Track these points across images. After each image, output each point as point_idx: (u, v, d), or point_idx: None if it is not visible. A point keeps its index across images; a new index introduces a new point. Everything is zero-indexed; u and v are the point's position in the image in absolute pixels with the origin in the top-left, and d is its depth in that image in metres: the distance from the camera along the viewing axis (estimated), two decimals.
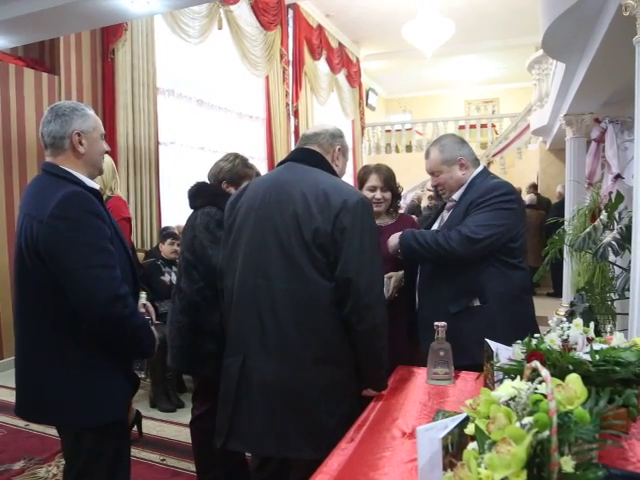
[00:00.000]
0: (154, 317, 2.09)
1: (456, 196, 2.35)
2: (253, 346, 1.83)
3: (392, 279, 2.64)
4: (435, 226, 2.46)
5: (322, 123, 2.16)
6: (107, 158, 3.25)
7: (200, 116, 7.28)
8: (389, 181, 2.73)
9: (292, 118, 9.52)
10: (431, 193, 9.06)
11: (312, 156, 1.98)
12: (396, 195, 2.80)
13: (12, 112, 4.94)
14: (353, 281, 1.76)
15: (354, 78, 12.38)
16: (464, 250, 2.15)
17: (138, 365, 3.94)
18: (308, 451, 1.77)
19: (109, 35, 5.73)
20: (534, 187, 9.28)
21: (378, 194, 2.70)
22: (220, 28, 7.24)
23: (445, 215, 2.44)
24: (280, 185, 1.89)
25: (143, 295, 2.10)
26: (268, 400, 1.79)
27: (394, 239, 2.33)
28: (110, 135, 5.56)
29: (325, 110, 11.02)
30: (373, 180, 2.71)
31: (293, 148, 2.11)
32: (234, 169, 2.53)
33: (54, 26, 4.35)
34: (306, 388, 1.78)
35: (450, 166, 2.33)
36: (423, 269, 2.40)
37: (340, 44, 11.47)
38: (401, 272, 2.64)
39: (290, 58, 9.44)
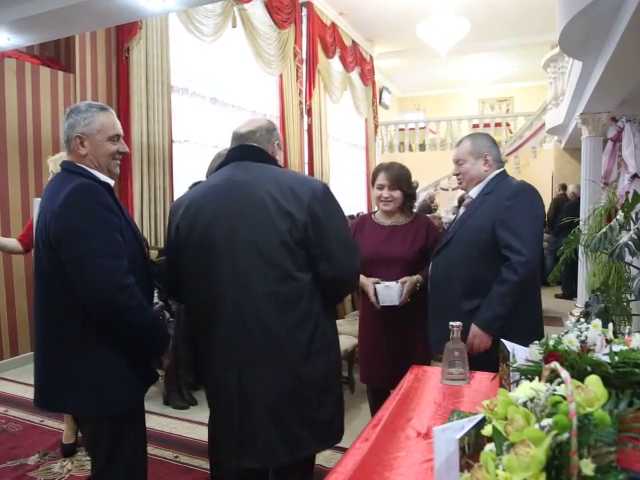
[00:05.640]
0: (168, 316, 2.11)
1: (473, 193, 2.39)
2: (245, 357, 1.79)
3: (406, 284, 2.66)
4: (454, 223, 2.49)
5: (253, 118, 2.08)
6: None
7: (214, 114, 7.29)
8: (398, 180, 2.73)
9: (305, 116, 9.51)
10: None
11: (257, 153, 1.92)
12: (409, 195, 2.80)
13: (28, 110, 4.98)
14: (340, 278, 1.90)
15: (367, 76, 12.34)
16: (526, 273, 2.12)
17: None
18: (315, 444, 1.84)
19: (124, 33, 5.76)
20: (564, 187, 9.16)
21: (385, 192, 2.73)
22: (234, 26, 7.26)
23: (461, 210, 2.49)
24: (242, 187, 1.83)
25: (154, 294, 2.11)
26: (272, 408, 1.79)
27: (479, 338, 2.17)
28: (124, 133, 5.57)
29: (338, 108, 11.00)
30: (381, 178, 2.75)
31: (232, 147, 1.98)
32: None
33: (69, 24, 4.36)
34: (302, 385, 1.81)
35: (476, 158, 2.38)
36: (435, 266, 2.42)
37: (354, 42, 11.45)
38: (416, 277, 2.67)
39: (304, 56, 9.42)
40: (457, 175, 2.46)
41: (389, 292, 2.64)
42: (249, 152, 1.92)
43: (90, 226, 1.70)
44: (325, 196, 1.85)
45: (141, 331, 1.80)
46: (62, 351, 1.77)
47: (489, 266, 2.19)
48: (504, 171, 2.41)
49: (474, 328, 2.17)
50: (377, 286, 2.66)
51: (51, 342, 1.81)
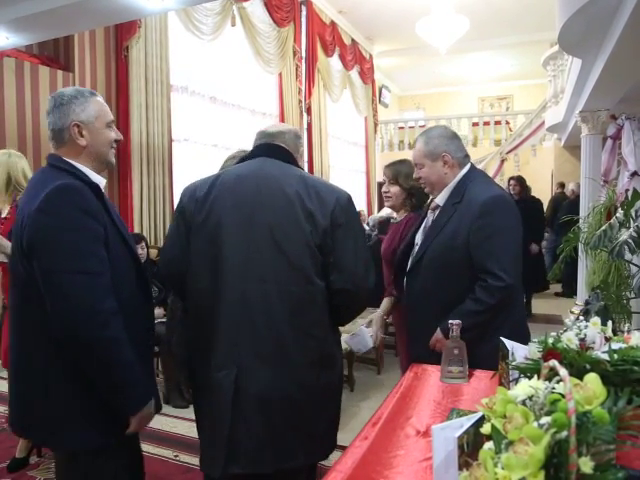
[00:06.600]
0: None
1: (440, 200, 2.22)
2: (246, 356, 1.71)
3: (372, 322, 2.57)
4: (420, 230, 2.34)
5: (281, 123, 2.06)
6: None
7: (213, 113, 7.29)
8: (395, 174, 2.72)
9: (305, 115, 9.51)
10: None
11: (285, 153, 1.90)
12: (410, 191, 2.72)
13: (27, 109, 4.98)
14: (351, 290, 1.80)
15: (367, 75, 12.34)
16: (503, 297, 2.02)
17: None
18: (302, 458, 1.77)
19: (123, 32, 5.76)
20: (562, 186, 9.15)
21: (385, 187, 2.77)
22: (233, 25, 7.26)
23: (430, 217, 2.30)
24: (269, 181, 1.78)
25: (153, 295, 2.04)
26: (265, 412, 1.71)
27: (440, 343, 2.07)
28: (124, 132, 5.58)
29: (338, 107, 11.00)
30: (384, 174, 2.79)
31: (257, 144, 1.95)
32: None
33: (68, 23, 4.37)
34: (302, 393, 1.75)
35: (433, 161, 2.17)
36: (409, 286, 2.31)
37: (353, 41, 11.44)
38: (380, 311, 2.61)
39: (303, 55, 9.42)
40: (419, 179, 2.28)
41: (359, 339, 2.48)
42: (278, 150, 1.89)
43: (66, 236, 1.47)
44: (349, 206, 1.83)
45: (110, 374, 1.51)
46: (31, 372, 1.55)
47: (465, 288, 2.07)
48: (471, 168, 2.21)
49: (438, 332, 2.12)
50: (344, 339, 2.44)
51: (21, 360, 1.59)
